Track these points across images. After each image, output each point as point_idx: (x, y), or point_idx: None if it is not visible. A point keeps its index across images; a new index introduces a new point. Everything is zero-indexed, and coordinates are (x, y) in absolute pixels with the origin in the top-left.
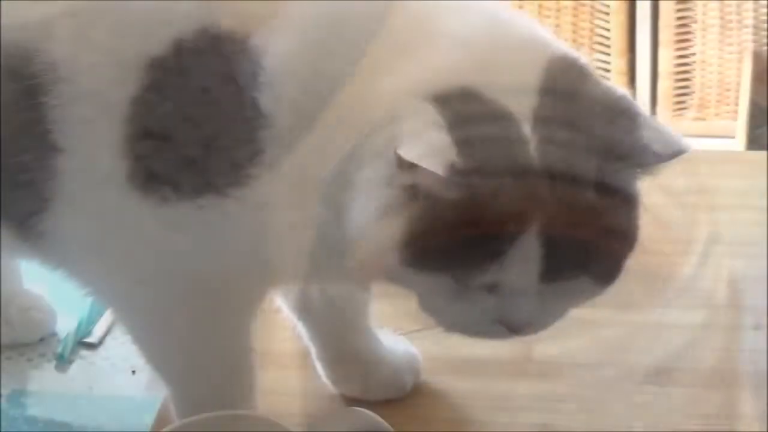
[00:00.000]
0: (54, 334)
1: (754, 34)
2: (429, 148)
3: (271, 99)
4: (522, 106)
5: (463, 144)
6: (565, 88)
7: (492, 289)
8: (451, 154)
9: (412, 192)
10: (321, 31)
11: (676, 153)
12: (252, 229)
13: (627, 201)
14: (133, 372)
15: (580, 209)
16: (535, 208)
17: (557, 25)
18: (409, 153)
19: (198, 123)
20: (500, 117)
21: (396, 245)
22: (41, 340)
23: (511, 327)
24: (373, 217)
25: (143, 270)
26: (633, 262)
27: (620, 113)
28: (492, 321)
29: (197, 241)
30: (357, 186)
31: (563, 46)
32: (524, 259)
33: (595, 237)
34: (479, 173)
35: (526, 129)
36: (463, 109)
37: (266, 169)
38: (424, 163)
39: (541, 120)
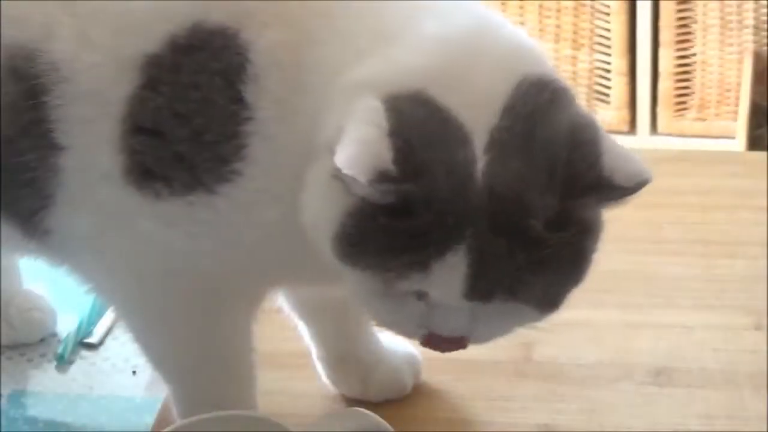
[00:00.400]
0: (54, 335)
1: (755, 34)
2: (360, 152)
3: (255, 92)
4: (480, 122)
5: (400, 151)
6: (530, 112)
7: (421, 296)
8: (384, 161)
9: (349, 188)
10: (306, 22)
11: (639, 185)
12: (242, 227)
13: (577, 234)
14: (134, 372)
15: (518, 237)
16: (467, 227)
17: (558, 26)
18: (338, 156)
19: (188, 118)
20: (450, 129)
21: (329, 237)
22: (41, 340)
23: (438, 336)
24: (317, 209)
25: (142, 267)
26: (633, 263)
27: (583, 143)
28: (420, 326)
29: (191, 239)
30: (309, 178)
31: (543, 66)
32: (449, 276)
33: (533, 267)
34: (412, 183)
35: (478, 146)
36: (412, 114)
37: (251, 164)
38: (348, 170)
39: (497, 140)
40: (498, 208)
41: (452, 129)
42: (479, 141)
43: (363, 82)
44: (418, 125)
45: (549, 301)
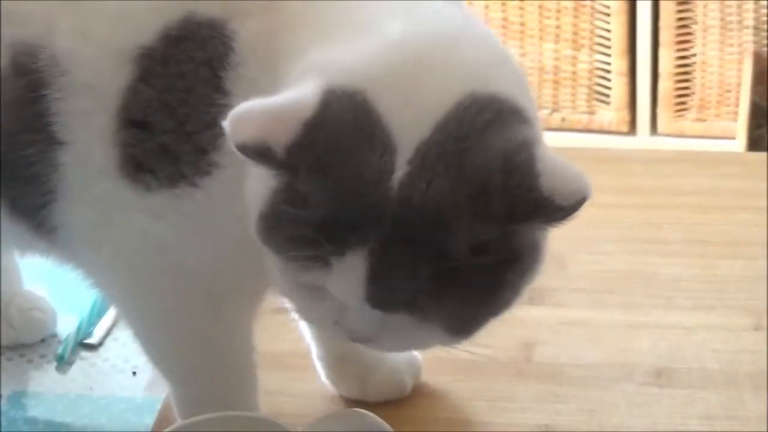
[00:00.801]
0: (54, 335)
1: (755, 35)
2: (258, 117)
3: (233, 79)
4: (409, 133)
5: (304, 142)
6: (466, 131)
7: None
8: (275, 141)
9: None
10: (288, 10)
11: (579, 203)
12: (224, 221)
13: (500, 263)
14: (134, 373)
15: (426, 252)
16: (371, 231)
17: (557, 26)
18: (236, 108)
19: (174, 109)
20: (373, 136)
21: (255, 216)
22: (42, 341)
23: (348, 335)
24: (253, 183)
25: (138, 264)
26: (633, 263)
27: (518, 166)
28: (333, 322)
29: (181, 234)
30: None
31: (503, 85)
32: (348, 277)
33: (436, 285)
34: (302, 177)
35: (402, 157)
36: (340, 112)
37: (226, 154)
38: (228, 125)
39: (422, 153)
40: (410, 220)
41: (376, 136)
42: (404, 152)
43: (316, 66)
44: (338, 124)
45: (456, 325)
